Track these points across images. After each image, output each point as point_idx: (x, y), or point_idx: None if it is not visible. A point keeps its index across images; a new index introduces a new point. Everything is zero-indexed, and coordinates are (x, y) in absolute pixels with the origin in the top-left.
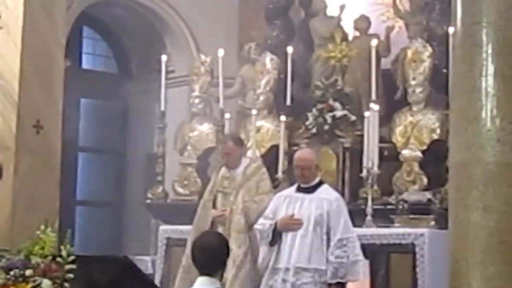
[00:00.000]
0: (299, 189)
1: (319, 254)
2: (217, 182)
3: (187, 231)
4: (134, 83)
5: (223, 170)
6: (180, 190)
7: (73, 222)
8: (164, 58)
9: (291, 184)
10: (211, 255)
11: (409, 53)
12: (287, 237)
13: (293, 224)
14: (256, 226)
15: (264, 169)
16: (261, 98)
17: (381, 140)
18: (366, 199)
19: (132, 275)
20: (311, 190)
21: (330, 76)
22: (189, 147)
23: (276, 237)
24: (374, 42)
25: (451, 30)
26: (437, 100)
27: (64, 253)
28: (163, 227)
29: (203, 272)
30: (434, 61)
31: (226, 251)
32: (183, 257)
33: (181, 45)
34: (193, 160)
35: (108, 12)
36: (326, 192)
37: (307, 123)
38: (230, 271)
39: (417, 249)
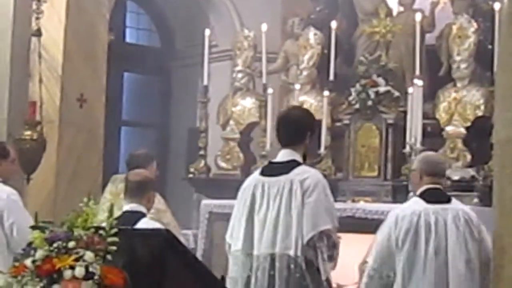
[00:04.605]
0: None
1: None
2: None
3: (229, 206)
4: (177, 57)
5: None
6: (222, 164)
7: None
8: (207, 32)
9: (334, 160)
10: (292, 126)
11: (454, 28)
12: None
13: None
14: None
15: None
16: (304, 73)
17: (425, 116)
18: (408, 175)
19: (174, 249)
20: None
21: (374, 51)
22: (231, 122)
23: None
24: (418, 17)
25: (497, 5)
26: (482, 76)
27: (107, 226)
28: (205, 202)
29: (284, 144)
30: (479, 37)
31: (309, 124)
32: None
33: (224, 20)
34: (235, 135)
35: None
36: None
37: (350, 98)
38: None
39: None
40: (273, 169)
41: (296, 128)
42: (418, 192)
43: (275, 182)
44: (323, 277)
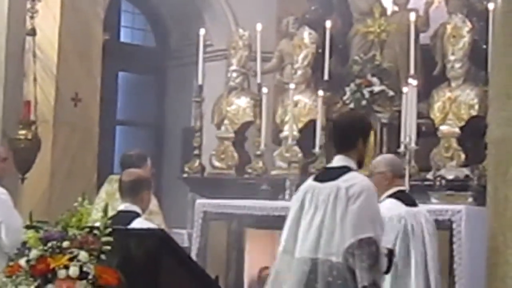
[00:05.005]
0: None
1: None
2: None
3: (224, 205)
4: (172, 56)
5: None
6: (217, 164)
7: None
8: (202, 31)
9: (328, 160)
10: (343, 131)
11: (449, 28)
12: None
13: None
14: None
15: None
16: (299, 72)
17: (419, 115)
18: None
19: (169, 248)
20: None
21: (369, 51)
22: (226, 121)
23: None
24: (413, 17)
25: (491, 5)
26: (476, 76)
27: (101, 225)
28: (199, 201)
29: (337, 150)
30: (474, 36)
31: (361, 129)
32: None
33: (219, 19)
34: (230, 134)
35: None
36: None
37: (345, 98)
38: None
39: (454, 225)
40: (325, 175)
41: (347, 133)
42: (388, 194)
43: (323, 188)
44: (359, 285)
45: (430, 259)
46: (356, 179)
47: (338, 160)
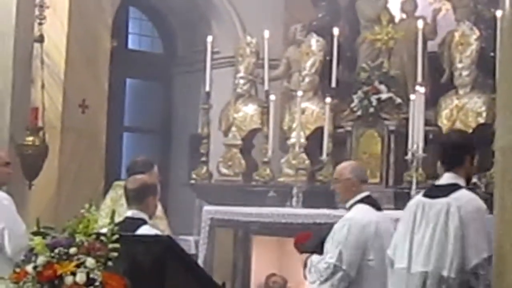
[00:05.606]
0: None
1: None
2: None
3: (230, 212)
4: (180, 63)
5: None
6: (224, 171)
7: None
8: (209, 38)
9: (335, 165)
10: (451, 150)
11: (456, 36)
12: None
13: None
14: None
15: None
16: (306, 80)
17: (427, 123)
18: (410, 182)
19: (176, 255)
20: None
21: (376, 58)
22: (233, 128)
23: None
24: (420, 24)
25: (499, 13)
26: (484, 84)
27: (108, 232)
28: (206, 208)
29: (446, 168)
30: (481, 44)
31: (468, 147)
32: None
33: (226, 26)
34: (237, 141)
35: None
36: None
37: (352, 105)
38: None
39: None
40: (434, 191)
41: (456, 152)
42: (357, 199)
43: (434, 204)
44: None
45: None
46: (467, 197)
47: (447, 178)
